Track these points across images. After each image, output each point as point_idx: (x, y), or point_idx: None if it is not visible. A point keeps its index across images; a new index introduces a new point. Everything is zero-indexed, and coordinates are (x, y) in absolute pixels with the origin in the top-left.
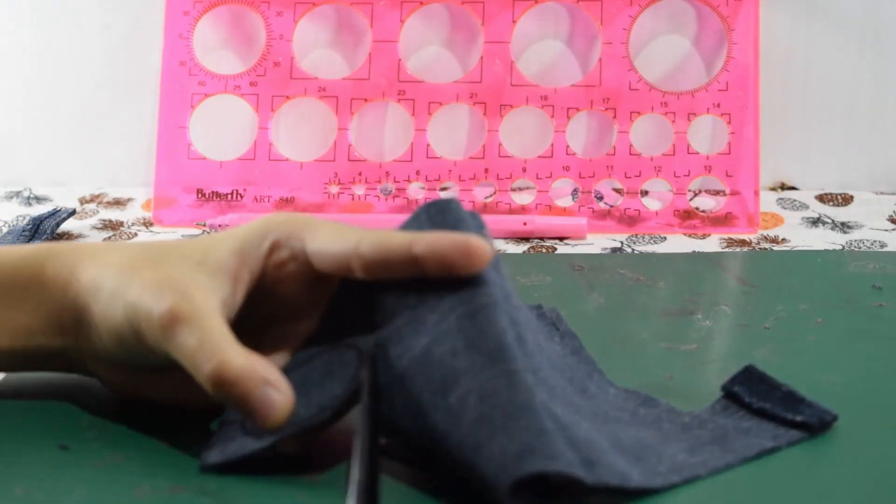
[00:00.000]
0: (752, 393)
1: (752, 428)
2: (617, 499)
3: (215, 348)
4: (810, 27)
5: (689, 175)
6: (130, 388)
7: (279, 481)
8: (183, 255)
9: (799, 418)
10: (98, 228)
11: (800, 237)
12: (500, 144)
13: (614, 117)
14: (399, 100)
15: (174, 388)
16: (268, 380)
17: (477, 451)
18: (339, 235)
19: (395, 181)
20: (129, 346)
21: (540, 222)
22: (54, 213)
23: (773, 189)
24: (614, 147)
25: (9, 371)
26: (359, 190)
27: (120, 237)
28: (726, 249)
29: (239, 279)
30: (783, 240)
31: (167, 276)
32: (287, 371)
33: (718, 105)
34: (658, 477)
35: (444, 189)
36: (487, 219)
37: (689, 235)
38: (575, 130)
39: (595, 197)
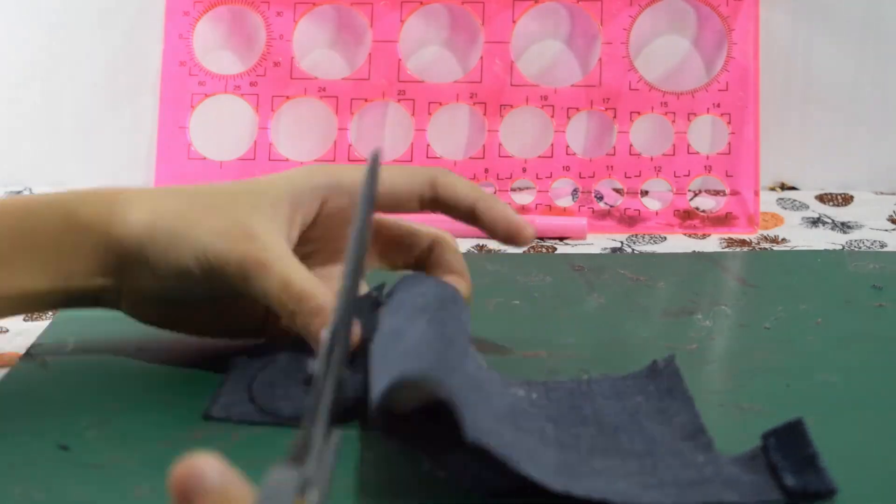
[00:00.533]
0: (779, 448)
1: (741, 480)
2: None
3: (301, 288)
4: (810, 27)
5: (689, 175)
6: (160, 319)
7: None
8: (240, 200)
9: (790, 483)
10: None
11: (800, 237)
12: (500, 144)
13: (614, 117)
14: (399, 100)
15: (204, 321)
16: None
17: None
18: (409, 174)
19: None
20: (192, 285)
21: (540, 222)
22: None
23: (773, 189)
24: (614, 147)
25: (44, 310)
26: None
27: None
28: (726, 249)
29: (293, 222)
30: (783, 240)
31: (235, 222)
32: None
33: (718, 105)
34: (578, 487)
35: None
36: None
37: (689, 235)
38: (575, 130)
39: (595, 197)
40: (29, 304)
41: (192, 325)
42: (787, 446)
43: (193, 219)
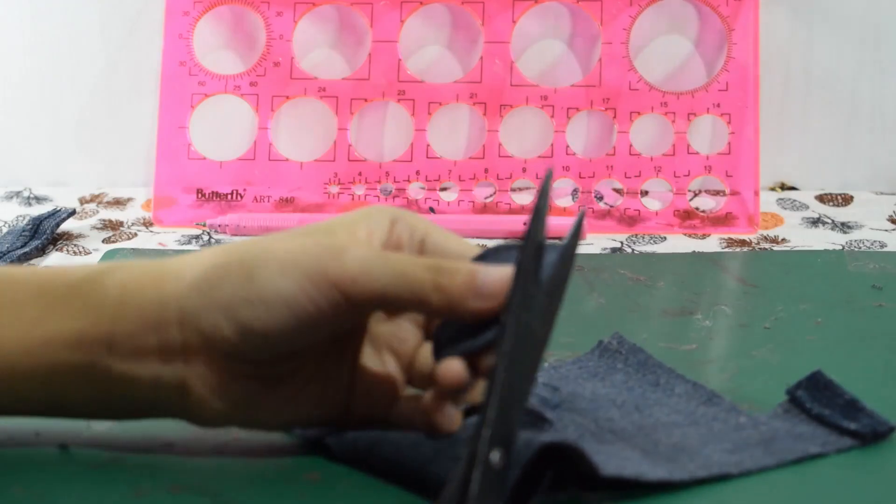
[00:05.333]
0: (814, 399)
1: (805, 433)
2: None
3: (418, 259)
4: (810, 27)
5: (689, 175)
6: (230, 407)
7: (279, 481)
8: (311, 228)
9: (853, 426)
10: (98, 228)
11: (800, 237)
12: (500, 144)
13: (614, 117)
14: (399, 100)
15: (280, 402)
16: (481, 267)
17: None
18: (456, 239)
19: (395, 181)
20: (268, 326)
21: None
22: (54, 213)
23: (773, 189)
24: (614, 147)
25: (85, 392)
26: (359, 190)
27: (120, 237)
28: (726, 249)
29: (371, 244)
30: (783, 240)
31: (308, 238)
32: None
33: (718, 105)
34: (682, 472)
35: (443, 189)
36: (488, 219)
37: (689, 235)
38: (575, 130)
39: (595, 197)
40: (64, 375)
41: (270, 410)
42: (822, 396)
43: (262, 247)
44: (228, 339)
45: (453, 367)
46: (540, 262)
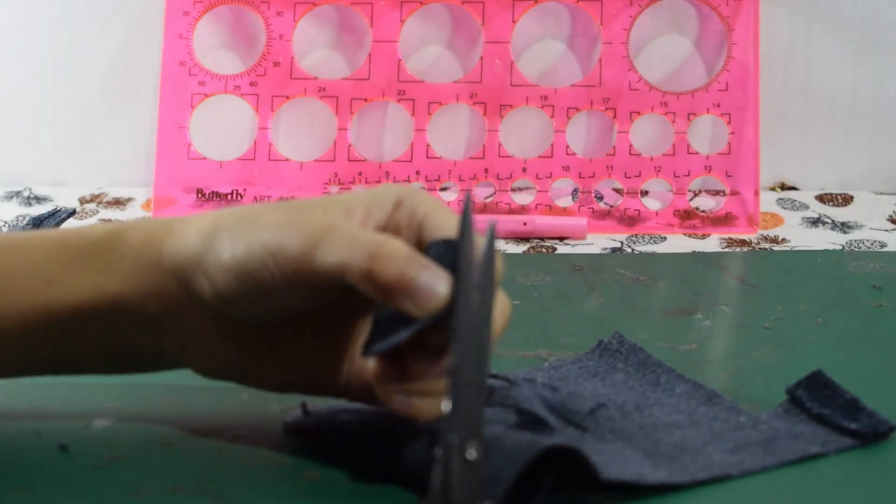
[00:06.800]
0: (814, 398)
1: (805, 433)
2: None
3: (372, 238)
4: (810, 27)
5: (689, 175)
6: (228, 365)
7: (279, 481)
8: (308, 203)
9: (853, 426)
10: None
11: (800, 237)
12: (500, 144)
13: (614, 117)
14: (399, 100)
15: (277, 366)
16: (426, 265)
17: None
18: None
19: (395, 181)
20: (258, 294)
21: (540, 222)
22: (54, 213)
23: (773, 189)
24: (614, 147)
25: (96, 354)
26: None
27: None
28: (726, 249)
29: (366, 225)
30: (783, 240)
31: (301, 213)
32: None
33: (718, 105)
34: (683, 474)
35: (443, 189)
36: (488, 219)
37: (689, 235)
38: (575, 130)
39: (595, 197)
40: (76, 332)
41: (264, 371)
42: (822, 396)
43: (253, 216)
44: (209, 303)
45: (372, 366)
46: (470, 258)
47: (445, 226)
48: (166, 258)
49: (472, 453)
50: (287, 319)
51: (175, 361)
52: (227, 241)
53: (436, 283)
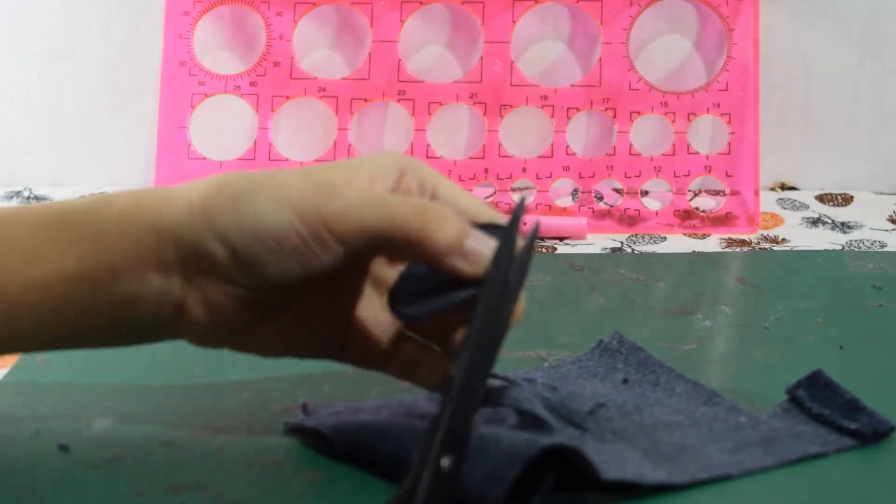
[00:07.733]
0: (814, 398)
1: (805, 433)
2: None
3: (413, 201)
4: (810, 27)
5: (689, 175)
6: (230, 334)
7: (279, 481)
8: (314, 168)
9: (853, 426)
10: None
11: (800, 237)
12: (500, 144)
13: (614, 117)
14: (399, 100)
15: (279, 332)
16: (475, 231)
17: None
18: (467, 195)
19: None
20: (266, 256)
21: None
22: None
23: (773, 189)
24: (614, 147)
25: (94, 325)
26: None
27: None
28: (726, 249)
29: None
30: (783, 240)
31: (322, 180)
32: None
33: (718, 105)
34: (684, 474)
35: None
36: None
37: (689, 235)
38: (575, 130)
39: (595, 197)
40: (65, 305)
41: (266, 336)
42: (822, 396)
43: (269, 180)
44: (221, 265)
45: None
46: (513, 261)
47: (457, 195)
48: (165, 223)
49: (446, 461)
50: (296, 283)
51: (171, 329)
52: (249, 205)
53: (486, 249)
